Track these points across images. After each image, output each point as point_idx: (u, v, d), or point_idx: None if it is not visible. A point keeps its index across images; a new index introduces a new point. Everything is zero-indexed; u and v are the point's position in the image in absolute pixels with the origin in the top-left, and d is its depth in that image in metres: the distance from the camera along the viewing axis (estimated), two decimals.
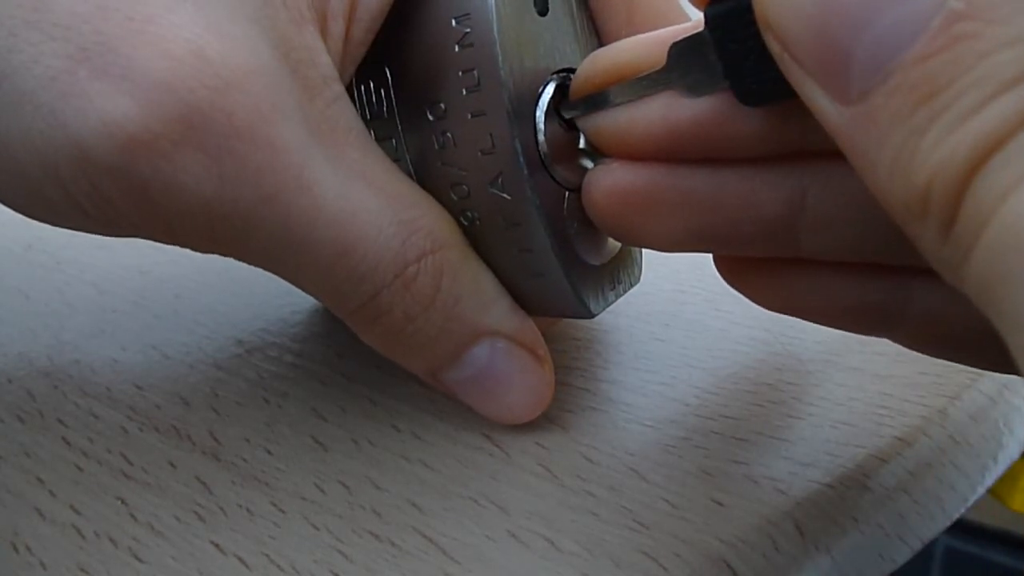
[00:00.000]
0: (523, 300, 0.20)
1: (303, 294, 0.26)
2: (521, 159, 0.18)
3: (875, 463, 0.19)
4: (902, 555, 0.19)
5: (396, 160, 0.19)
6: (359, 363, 0.23)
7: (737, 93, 0.15)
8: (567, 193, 0.19)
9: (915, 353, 0.22)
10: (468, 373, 0.19)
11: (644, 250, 0.22)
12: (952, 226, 0.11)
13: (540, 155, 0.18)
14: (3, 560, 0.17)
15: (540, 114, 0.18)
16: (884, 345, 0.22)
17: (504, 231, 0.19)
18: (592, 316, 0.20)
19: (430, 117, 0.18)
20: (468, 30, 0.18)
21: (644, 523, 0.17)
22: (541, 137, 0.18)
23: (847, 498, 0.18)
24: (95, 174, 0.16)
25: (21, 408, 0.22)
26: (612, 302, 0.20)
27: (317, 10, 0.17)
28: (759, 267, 0.18)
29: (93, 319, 0.25)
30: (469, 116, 0.18)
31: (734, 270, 0.19)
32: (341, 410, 0.21)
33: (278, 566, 0.17)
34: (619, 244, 0.20)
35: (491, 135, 0.18)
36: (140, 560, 0.17)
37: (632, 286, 0.21)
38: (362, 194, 0.17)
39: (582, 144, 0.19)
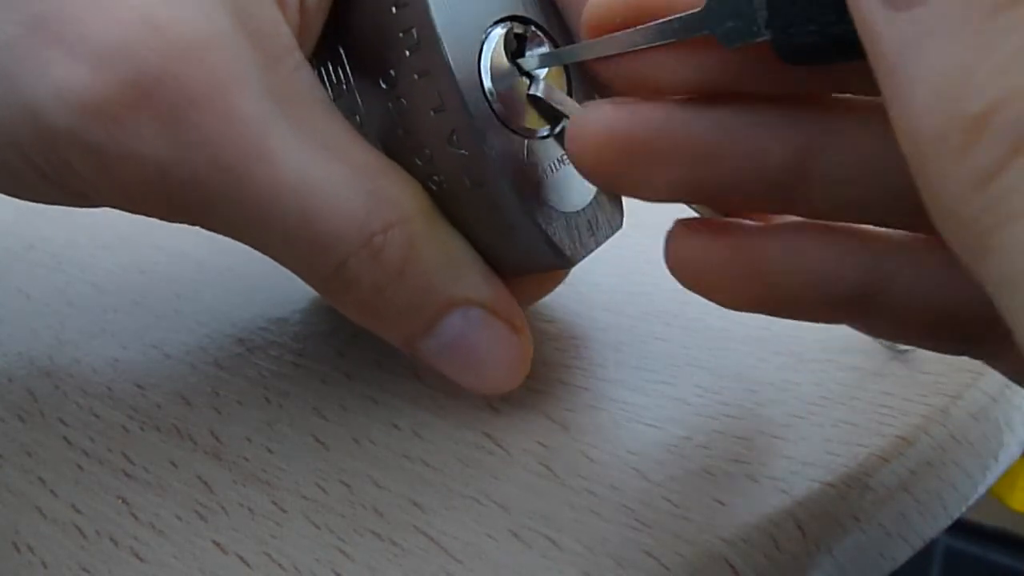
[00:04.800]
0: (500, 262, 0.20)
1: (304, 293, 0.26)
2: (471, 112, 0.18)
3: (876, 462, 0.19)
4: (903, 554, 0.19)
5: (362, 135, 0.19)
6: (360, 362, 0.23)
7: (779, 47, 0.14)
8: (526, 142, 0.19)
9: (916, 352, 0.22)
10: (442, 342, 0.19)
11: (638, 246, 0.21)
12: (1003, 171, 0.09)
13: (491, 106, 0.18)
14: (4, 559, 0.17)
15: (485, 64, 0.18)
16: (885, 344, 0.23)
17: (470, 190, 0.18)
18: (571, 265, 0.19)
19: (383, 86, 0.19)
20: None
21: (645, 522, 0.17)
22: (489, 86, 0.18)
23: (848, 497, 0.18)
24: (52, 139, 0.16)
25: (22, 408, 0.22)
26: (592, 249, 0.20)
27: None
28: (730, 243, 0.17)
29: (94, 319, 0.25)
30: (416, 77, 0.18)
31: (698, 260, 0.17)
32: (342, 409, 0.21)
33: (279, 565, 0.17)
34: (594, 189, 0.20)
35: (439, 92, 0.18)
36: (141, 559, 0.17)
37: (614, 231, 0.21)
38: (326, 164, 0.17)
39: (535, 90, 0.19)
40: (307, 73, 0.18)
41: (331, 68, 0.19)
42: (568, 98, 0.19)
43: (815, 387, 0.21)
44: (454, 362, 0.19)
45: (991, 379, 0.21)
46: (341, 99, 0.20)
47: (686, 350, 0.23)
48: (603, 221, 0.20)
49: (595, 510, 0.17)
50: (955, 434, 0.20)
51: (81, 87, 0.16)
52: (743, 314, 0.24)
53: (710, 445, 0.19)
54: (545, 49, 0.19)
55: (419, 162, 0.19)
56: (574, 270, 0.23)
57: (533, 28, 0.19)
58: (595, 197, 0.20)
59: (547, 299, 0.25)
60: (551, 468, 0.19)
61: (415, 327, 0.19)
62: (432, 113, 0.18)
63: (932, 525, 0.19)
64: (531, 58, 0.19)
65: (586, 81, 0.20)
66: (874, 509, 0.18)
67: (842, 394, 0.21)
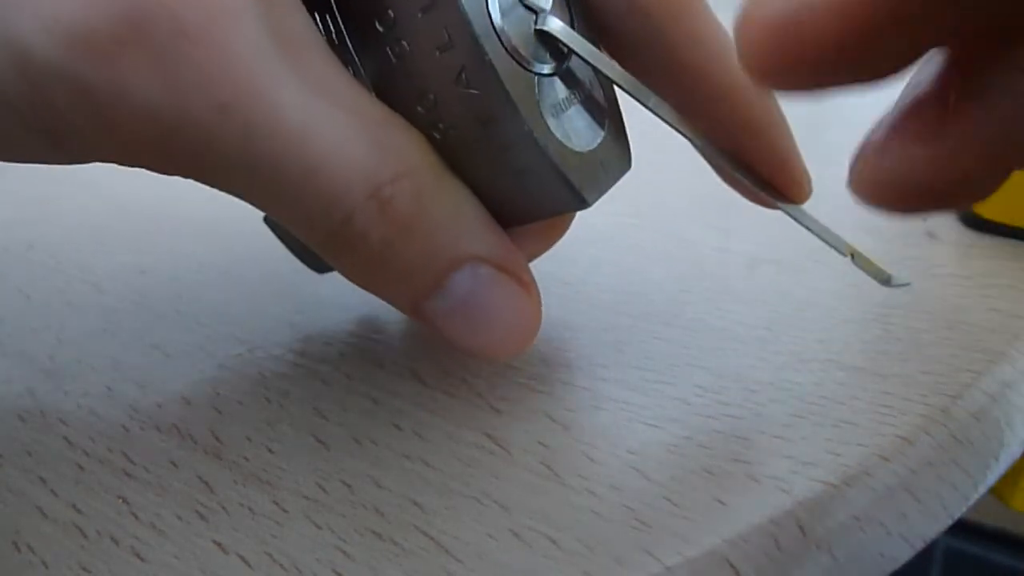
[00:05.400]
0: (508, 212, 0.19)
1: (304, 293, 0.26)
2: (483, 45, 0.17)
3: (877, 462, 0.19)
4: (904, 554, 0.19)
5: None
6: (361, 362, 0.23)
7: None
8: (536, 78, 0.18)
9: (916, 351, 0.22)
10: (451, 302, 0.18)
11: (638, 246, 0.22)
12: None
13: (501, 40, 0.17)
14: (5, 559, 0.17)
15: (492, 5, 0.17)
16: (886, 344, 0.23)
17: (480, 133, 0.18)
18: (587, 205, 0.19)
19: (380, 29, 0.18)
20: None
21: (646, 522, 0.17)
22: (498, 19, 0.17)
23: (849, 497, 0.18)
24: (36, 75, 0.16)
25: (22, 407, 0.22)
26: (605, 190, 0.19)
27: None
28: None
29: (94, 319, 0.25)
30: (419, 15, 0.17)
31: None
32: (343, 409, 0.21)
33: (280, 565, 0.17)
34: (601, 130, 0.19)
35: (445, 28, 0.17)
36: (142, 559, 0.17)
37: (624, 171, 0.20)
38: (330, 109, 0.17)
39: (542, 25, 0.18)
40: (304, 16, 0.17)
41: (319, 18, 0.19)
42: (576, 34, 0.19)
43: (815, 387, 0.21)
44: (464, 323, 0.18)
45: (991, 379, 0.21)
46: (333, 49, 0.19)
47: (686, 350, 0.23)
48: (614, 161, 0.20)
49: (596, 510, 0.17)
50: (956, 434, 0.20)
51: (69, 19, 0.15)
52: (743, 314, 0.24)
53: (710, 445, 0.19)
54: None
55: (422, 110, 0.18)
56: (573, 272, 0.23)
57: None
58: (605, 136, 0.19)
59: (548, 300, 0.25)
60: (552, 468, 0.19)
61: (423, 286, 0.18)
62: (438, 52, 0.17)
63: (933, 525, 0.19)
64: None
65: (588, 16, 0.20)
66: (875, 509, 0.18)
67: (842, 394, 0.21)
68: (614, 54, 0.21)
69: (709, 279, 0.26)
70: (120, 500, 0.18)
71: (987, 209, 0.28)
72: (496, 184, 0.19)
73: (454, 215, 0.18)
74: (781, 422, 0.20)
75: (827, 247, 0.20)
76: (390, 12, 0.17)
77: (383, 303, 0.25)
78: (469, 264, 0.18)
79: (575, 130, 0.19)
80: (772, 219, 0.30)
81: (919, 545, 0.19)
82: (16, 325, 0.25)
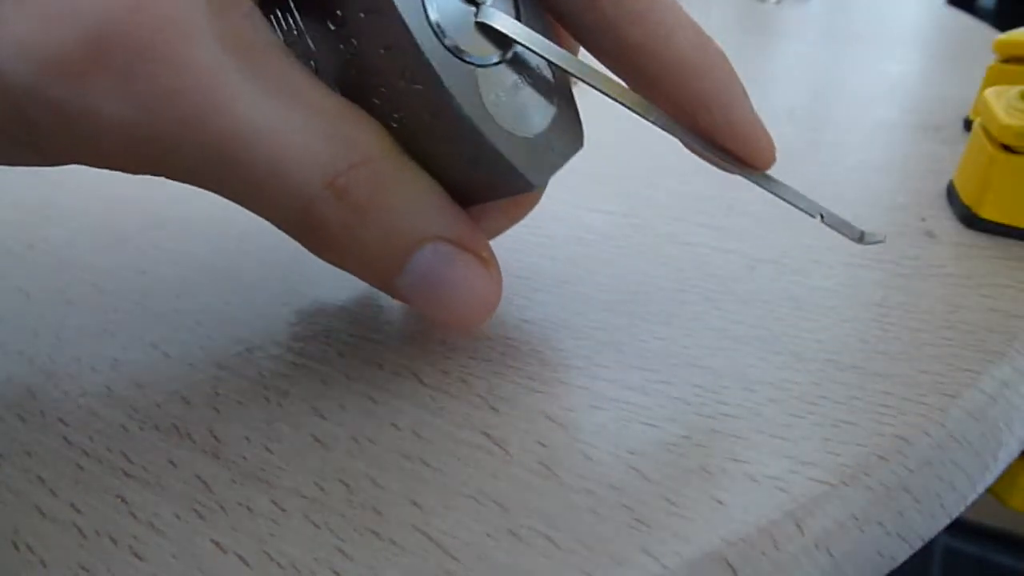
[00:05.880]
0: (466, 192, 0.20)
1: (303, 293, 0.26)
2: (420, 44, 0.18)
3: (875, 461, 0.19)
4: (902, 553, 0.19)
5: (320, 80, 0.19)
6: (360, 362, 0.23)
7: None
8: (478, 70, 0.19)
9: (915, 351, 0.22)
10: (415, 278, 0.20)
11: (637, 245, 0.22)
12: None
13: (439, 36, 0.18)
14: (4, 558, 0.17)
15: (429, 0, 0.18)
16: (884, 344, 0.23)
17: (430, 125, 0.19)
18: (535, 187, 0.20)
19: (332, 27, 0.19)
20: None
21: (645, 521, 0.17)
22: (436, 18, 0.18)
23: (847, 497, 0.18)
24: (16, 96, 0.17)
25: (22, 407, 0.22)
26: (554, 170, 0.20)
27: None
28: None
29: (94, 319, 0.25)
30: (362, 15, 0.18)
31: None
32: (341, 408, 0.21)
33: (278, 564, 0.17)
34: (550, 113, 0.20)
35: (386, 29, 0.18)
36: (140, 558, 0.17)
37: (575, 150, 0.21)
38: (286, 109, 0.18)
39: (482, 18, 0.19)
40: (259, 19, 0.18)
41: (280, 15, 0.20)
42: (517, 23, 0.19)
43: (814, 387, 0.21)
44: (428, 297, 0.20)
45: (990, 379, 0.21)
46: (295, 46, 0.20)
47: (685, 349, 0.23)
48: (563, 141, 0.20)
49: (594, 509, 0.17)
50: (954, 433, 0.20)
51: (40, 44, 0.16)
52: (743, 314, 0.24)
53: (709, 444, 0.19)
54: None
55: (377, 101, 0.19)
56: (572, 272, 0.23)
57: None
58: (553, 119, 0.20)
59: (547, 299, 0.25)
60: (550, 468, 0.19)
61: (388, 266, 0.20)
62: (383, 51, 0.18)
63: (931, 524, 0.19)
64: None
65: (535, 2, 0.21)
66: (873, 508, 0.18)
67: (841, 394, 0.21)
68: (569, 36, 0.22)
69: (708, 279, 0.26)
70: (119, 499, 0.18)
71: (986, 209, 0.28)
72: (451, 169, 0.20)
73: (412, 199, 0.19)
74: (780, 422, 0.20)
75: (798, 209, 0.21)
76: (339, 12, 0.18)
77: (382, 303, 0.25)
78: (430, 243, 0.19)
79: (523, 115, 0.20)
80: (772, 219, 0.31)
81: (917, 544, 0.19)
82: (16, 324, 0.25)
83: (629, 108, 0.20)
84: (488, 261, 0.20)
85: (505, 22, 0.19)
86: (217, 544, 0.17)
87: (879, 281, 0.26)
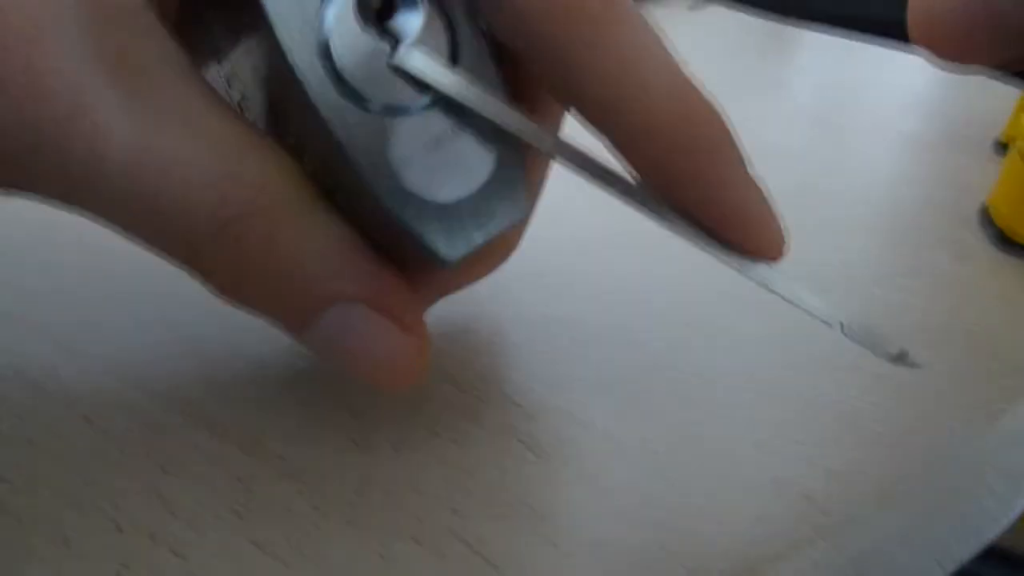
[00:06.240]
0: (385, 250, 0.17)
1: None
2: (308, 94, 0.15)
3: (911, 483, 0.19)
4: None
5: (246, 110, 0.17)
6: None
7: None
8: (389, 121, 0.16)
9: (950, 372, 0.22)
10: (322, 339, 0.17)
11: (683, 254, 0.19)
12: None
13: (334, 78, 0.16)
14: (44, 553, 0.17)
15: (331, 34, 0.16)
16: (923, 361, 0.22)
17: (334, 173, 0.16)
18: (448, 264, 0.17)
19: (249, 57, 0.17)
20: None
21: (682, 533, 0.17)
22: (339, 57, 0.16)
23: (883, 518, 0.18)
24: None
25: (57, 398, 0.22)
26: (479, 243, 0.17)
27: None
28: None
29: (130, 309, 0.25)
30: (255, 45, 0.16)
31: None
32: (380, 412, 0.21)
33: (317, 567, 0.17)
34: (484, 173, 0.17)
35: (280, 64, 0.16)
36: (180, 556, 0.17)
37: (513, 219, 0.17)
38: (170, 138, 0.15)
39: (396, 61, 0.16)
40: (159, 38, 0.16)
41: (216, 33, 0.17)
42: (441, 67, 0.16)
43: (851, 401, 0.21)
44: (338, 359, 0.18)
45: None
46: (228, 69, 0.18)
47: (715, 358, 0.23)
48: (499, 209, 0.17)
49: (633, 520, 0.17)
50: (992, 457, 0.20)
51: None
52: (779, 323, 0.24)
53: (747, 458, 0.19)
54: (421, 6, 0.16)
55: (290, 140, 0.17)
56: (600, 279, 0.22)
57: None
58: (488, 181, 0.17)
59: (580, 304, 0.25)
60: (588, 473, 0.19)
61: (288, 322, 0.18)
62: (280, 87, 0.16)
63: (966, 548, 0.19)
64: (406, 21, 0.16)
65: (479, 36, 0.17)
66: (908, 531, 0.18)
67: (875, 411, 0.21)
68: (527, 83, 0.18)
69: (742, 289, 0.26)
70: (157, 496, 0.18)
71: (1018, 230, 0.28)
72: (367, 223, 0.17)
73: (318, 252, 0.17)
74: (814, 435, 0.20)
75: (813, 317, 0.18)
76: (251, 40, 0.17)
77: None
78: (339, 303, 0.17)
79: (445, 174, 0.17)
80: (798, 233, 0.30)
81: (951, 568, 0.19)
82: (49, 311, 0.25)
83: (589, 179, 0.17)
84: (410, 326, 0.17)
85: (425, 65, 0.16)
86: (257, 544, 0.17)
87: (909, 302, 0.26)
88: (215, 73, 0.19)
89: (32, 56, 0.15)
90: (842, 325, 0.17)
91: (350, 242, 0.17)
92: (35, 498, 0.18)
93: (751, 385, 0.22)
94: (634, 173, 0.17)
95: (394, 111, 0.16)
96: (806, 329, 0.24)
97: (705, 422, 0.20)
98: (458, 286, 0.20)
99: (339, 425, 0.20)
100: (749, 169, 0.17)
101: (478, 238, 0.17)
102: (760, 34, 0.68)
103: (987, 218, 0.30)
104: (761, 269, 0.17)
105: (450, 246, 0.17)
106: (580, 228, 0.29)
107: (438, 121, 0.17)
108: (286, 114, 0.17)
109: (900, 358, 0.18)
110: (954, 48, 0.19)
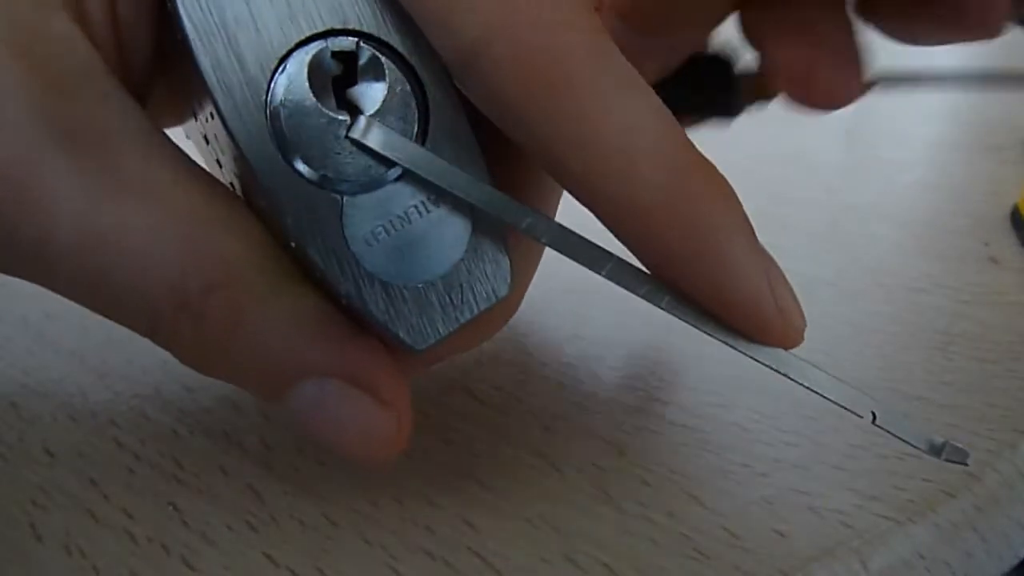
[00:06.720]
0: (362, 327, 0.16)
1: None
2: (255, 170, 0.14)
3: (942, 498, 0.18)
4: None
5: (224, 169, 0.16)
6: (413, 378, 0.22)
7: None
8: (344, 199, 0.15)
9: (982, 383, 0.21)
10: (295, 412, 0.16)
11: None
12: None
13: (283, 154, 0.15)
14: (56, 562, 0.17)
15: (281, 106, 0.14)
16: (950, 374, 0.22)
17: (294, 250, 0.15)
18: (415, 350, 0.15)
19: (212, 120, 0.15)
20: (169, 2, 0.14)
21: (703, 551, 0.17)
22: (290, 131, 0.14)
23: (913, 534, 0.17)
24: None
25: (74, 407, 0.22)
26: (451, 328, 0.15)
27: None
28: None
29: None
30: (210, 117, 0.15)
31: None
32: None
33: None
34: (460, 249, 0.15)
35: (227, 137, 0.14)
36: (192, 568, 0.17)
37: (492, 301, 0.16)
38: (124, 213, 0.15)
39: (355, 134, 0.15)
40: (118, 105, 0.15)
41: (192, 88, 0.16)
42: (401, 139, 0.15)
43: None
44: (314, 433, 0.16)
45: None
46: (209, 131, 0.16)
47: (743, 372, 0.22)
48: (475, 290, 0.16)
49: (652, 537, 0.17)
50: (1023, 470, 0.19)
51: None
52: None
53: (769, 473, 0.19)
54: (386, 73, 0.15)
55: (261, 204, 0.15)
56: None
57: (363, 42, 0.15)
58: (467, 255, 0.16)
59: (600, 315, 0.25)
60: (607, 492, 0.18)
61: (261, 394, 0.17)
62: (234, 161, 0.15)
63: (998, 564, 0.19)
64: (368, 89, 0.15)
65: (454, 101, 0.16)
66: (939, 547, 0.18)
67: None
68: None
69: None
70: (171, 506, 0.18)
71: None
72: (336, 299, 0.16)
73: (288, 326, 0.15)
74: (842, 452, 0.19)
75: (837, 406, 0.16)
76: (204, 108, 0.16)
77: None
78: (312, 379, 0.16)
79: (414, 253, 0.15)
80: (827, 238, 0.30)
81: None
82: (66, 323, 0.25)
83: (582, 263, 0.15)
84: (389, 401, 0.16)
85: (386, 138, 0.15)
86: (269, 557, 0.17)
87: (941, 307, 0.25)
88: (197, 128, 0.18)
89: None
90: (873, 415, 0.16)
91: (320, 315, 0.16)
92: (51, 508, 0.18)
93: (776, 403, 0.21)
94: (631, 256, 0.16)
95: (356, 187, 0.15)
96: (832, 349, 0.23)
97: (723, 434, 0.20)
98: (440, 359, 0.18)
99: None
100: (757, 251, 0.15)
101: (448, 326, 0.15)
102: None
103: (1019, 221, 0.29)
104: (781, 355, 0.16)
105: (416, 335, 0.15)
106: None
107: (406, 195, 0.15)
108: (245, 190, 0.16)
109: (942, 451, 0.16)
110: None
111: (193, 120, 0.18)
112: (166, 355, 0.23)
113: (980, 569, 0.18)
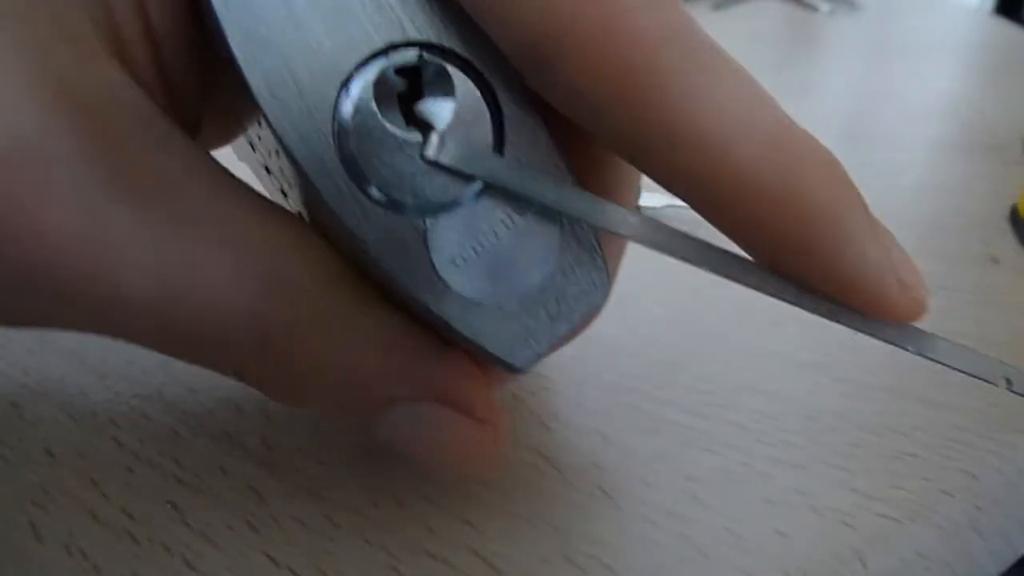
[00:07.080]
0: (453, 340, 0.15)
1: None
2: (327, 202, 0.14)
3: (942, 497, 0.18)
4: None
5: (288, 193, 0.16)
6: None
7: None
8: (426, 222, 0.14)
9: (983, 384, 0.21)
10: (387, 437, 0.16)
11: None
12: None
13: (356, 184, 0.14)
14: (57, 563, 0.17)
15: (349, 129, 0.14)
16: (951, 374, 0.22)
17: (377, 277, 0.15)
18: (518, 368, 0.15)
19: (278, 151, 0.15)
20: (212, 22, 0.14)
21: (705, 552, 0.17)
22: (364, 163, 0.14)
23: (913, 534, 0.17)
24: None
25: (74, 407, 0.22)
26: (553, 342, 0.15)
27: (109, 38, 0.14)
28: None
29: None
30: (275, 153, 0.15)
31: None
32: None
33: None
34: (552, 259, 0.15)
35: (293, 170, 0.14)
36: (194, 569, 0.17)
37: (592, 306, 0.15)
38: (202, 255, 0.14)
39: (432, 154, 0.14)
40: (177, 144, 0.14)
41: (254, 125, 0.16)
42: (485, 155, 0.14)
43: (877, 416, 0.20)
44: (408, 453, 0.16)
45: None
46: (273, 165, 0.16)
47: (743, 372, 0.22)
48: (571, 299, 0.15)
49: (653, 537, 0.17)
50: (1023, 470, 0.19)
51: None
52: (803, 338, 0.23)
53: (770, 473, 0.19)
54: (454, 83, 0.14)
55: (330, 237, 0.15)
56: (629, 287, 0.22)
57: (426, 53, 0.14)
58: (560, 263, 0.15)
59: (602, 314, 0.25)
60: (607, 491, 0.18)
61: (355, 418, 0.16)
62: (304, 192, 0.14)
63: (997, 564, 0.19)
64: (437, 103, 0.14)
65: (527, 106, 0.15)
66: (940, 546, 0.18)
67: (905, 424, 0.20)
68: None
69: (769, 301, 0.26)
70: (171, 507, 0.18)
71: None
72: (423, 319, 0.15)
73: (371, 357, 0.15)
74: (842, 452, 0.19)
75: (969, 375, 0.16)
76: (258, 135, 0.16)
77: None
78: (401, 404, 0.15)
79: (508, 268, 0.14)
80: None
81: None
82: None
83: (679, 259, 0.15)
84: (485, 418, 0.16)
85: (462, 154, 0.14)
86: (271, 558, 0.17)
87: (943, 308, 0.25)
88: (257, 159, 0.17)
89: (39, 226, 0.13)
90: (1008, 381, 0.15)
91: (406, 337, 0.15)
92: (51, 509, 0.18)
93: (777, 403, 0.21)
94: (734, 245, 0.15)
95: (436, 208, 0.14)
96: (833, 349, 0.23)
97: (724, 433, 0.20)
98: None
99: (353, 436, 0.20)
100: (874, 225, 0.14)
101: (550, 340, 0.15)
102: (785, 37, 0.67)
103: (1018, 220, 0.29)
104: (892, 332, 0.15)
105: (518, 354, 0.14)
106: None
107: (491, 210, 0.14)
108: (317, 210, 0.15)
109: None
110: None
111: (250, 149, 0.17)
112: (171, 359, 0.23)
113: (980, 569, 0.18)
